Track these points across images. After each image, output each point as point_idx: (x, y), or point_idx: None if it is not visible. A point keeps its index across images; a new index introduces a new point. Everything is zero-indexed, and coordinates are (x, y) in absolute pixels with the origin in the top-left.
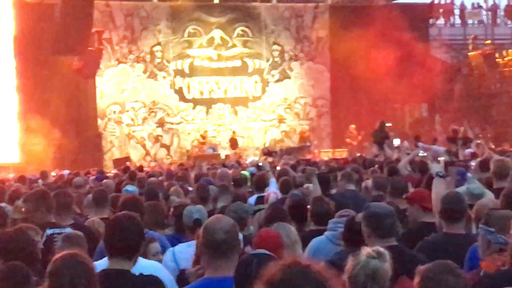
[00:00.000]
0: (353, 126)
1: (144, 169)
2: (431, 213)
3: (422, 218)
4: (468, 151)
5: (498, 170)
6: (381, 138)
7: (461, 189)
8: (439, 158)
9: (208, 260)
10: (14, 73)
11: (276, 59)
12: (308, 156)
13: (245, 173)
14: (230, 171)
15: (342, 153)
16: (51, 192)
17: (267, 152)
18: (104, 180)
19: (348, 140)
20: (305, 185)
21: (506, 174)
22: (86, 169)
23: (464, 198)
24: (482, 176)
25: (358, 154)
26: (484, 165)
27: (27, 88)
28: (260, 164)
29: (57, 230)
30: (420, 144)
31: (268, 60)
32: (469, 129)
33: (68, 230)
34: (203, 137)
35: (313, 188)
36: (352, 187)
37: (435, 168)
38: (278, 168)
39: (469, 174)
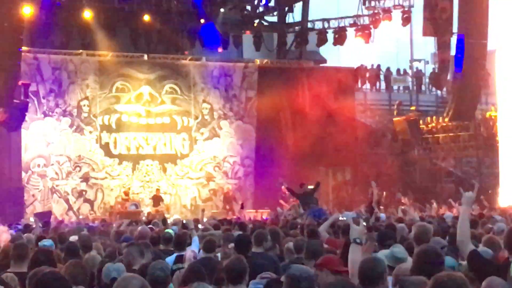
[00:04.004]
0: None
1: (65, 224)
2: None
3: None
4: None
5: (419, 236)
6: (307, 201)
7: (385, 252)
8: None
9: None
10: None
11: (206, 117)
12: (231, 216)
13: (169, 231)
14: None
15: (264, 214)
16: None
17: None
18: (25, 234)
19: (281, 201)
20: (230, 245)
21: (427, 239)
22: (7, 222)
23: (381, 264)
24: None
25: (283, 216)
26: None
27: None
28: (184, 222)
29: None
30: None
31: (196, 118)
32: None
33: None
34: (126, 193)
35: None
36: (260, 249)
37: (353, 233)
38: (200, 226)
39: None
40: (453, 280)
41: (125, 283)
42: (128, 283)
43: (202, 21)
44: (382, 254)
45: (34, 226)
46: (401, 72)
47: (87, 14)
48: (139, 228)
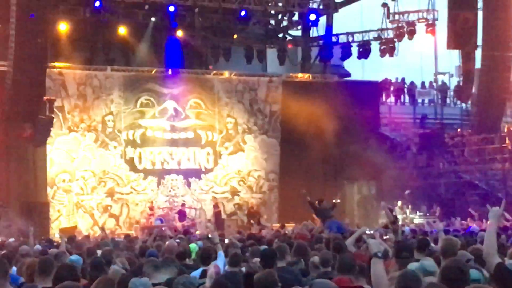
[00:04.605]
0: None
1: (91, 239)
2: None
3: None
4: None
5: (446, 249)
6: (326, 214)
7: (414, 265)
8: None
9: None
10: None
11: (230, 131)
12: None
13: (193, 246)
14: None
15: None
16: None
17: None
18: (51, 249)
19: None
20: (254, 260)
21: (454, 253)
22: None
23: (420, 278)
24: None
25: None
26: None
27: None
28: (210, 236)
29: None
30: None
31: (221, 132)
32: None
33: None
34: (151, 208)
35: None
36: (283, 264)
37: (373, 247)
38: (226, 241)
39: None
40: None
41: None
42: None
43: (235, 36)
44: (412, 266)
45: (59, 241)
46: (426, 85)
47: (121, 30)
48: (167, 242)
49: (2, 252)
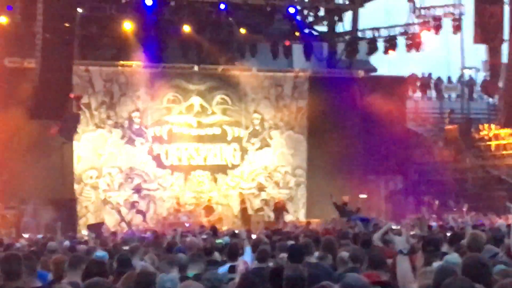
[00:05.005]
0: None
1: (118, 235)
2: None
3: None
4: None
5: (472, 244)
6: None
7: (439, 262)
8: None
9: None
10: None
11: (257, 127)
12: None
13: (220, 241)
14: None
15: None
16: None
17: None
18: (79, 245)
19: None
20: (280, 255)
21: (480, 247)
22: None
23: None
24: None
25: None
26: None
27: (2, 151)
28: (237, 231)
29: None
30: None
31: (247, 128)
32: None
33: None
34: (178, 204)
35: None
36: (312, 259)
37: (399, 244)
38: (253, 237)
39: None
40: None
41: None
42: (188, 286)
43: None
44: (437, 263)
45: (87, 237)
46: (452, 80)
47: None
48: (188, 239)
49: (31, 249)
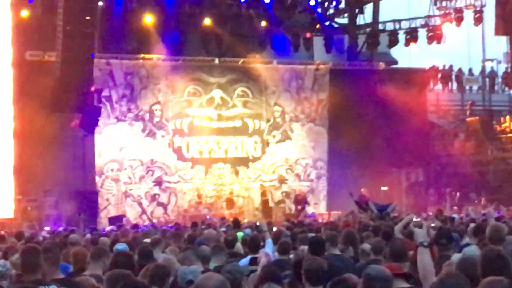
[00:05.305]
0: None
1: (139, 227)
2: (402, 279)
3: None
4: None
5: (493, 235)
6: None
7: (457, 256)
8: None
9: None
10: (12, 130)
11: (277, 120)
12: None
13: (240, 234)
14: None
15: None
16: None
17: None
18: (101, 238)
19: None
20: (301, 247)
21: (501, 239)
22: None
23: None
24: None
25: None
26: (479, 230)
27: (24, 144)
28: (258, 224)
29: (40, 287)
30: None
31: (268, 121)
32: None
33: (53, 287)
34: (199, 196)
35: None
36: (336, 251)
37: (419, 236)
38: (274, 229)
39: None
40: None
41: (207, 279)
42: (210, 278)
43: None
44: (456, 256)
45: (108, 229)
46: (473, 72)
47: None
48: (205, 231)
49: (53, 241)
